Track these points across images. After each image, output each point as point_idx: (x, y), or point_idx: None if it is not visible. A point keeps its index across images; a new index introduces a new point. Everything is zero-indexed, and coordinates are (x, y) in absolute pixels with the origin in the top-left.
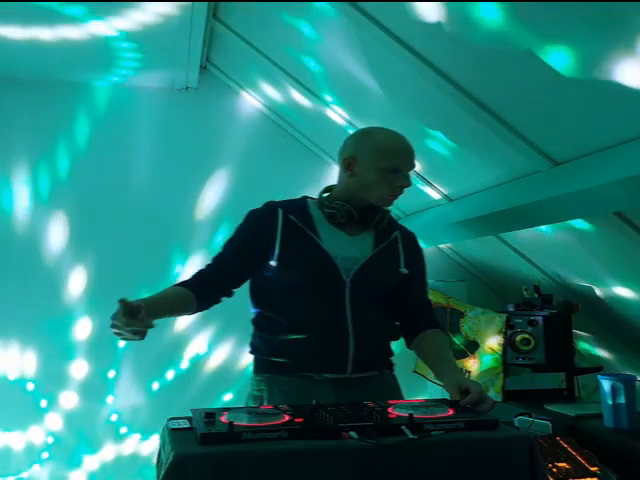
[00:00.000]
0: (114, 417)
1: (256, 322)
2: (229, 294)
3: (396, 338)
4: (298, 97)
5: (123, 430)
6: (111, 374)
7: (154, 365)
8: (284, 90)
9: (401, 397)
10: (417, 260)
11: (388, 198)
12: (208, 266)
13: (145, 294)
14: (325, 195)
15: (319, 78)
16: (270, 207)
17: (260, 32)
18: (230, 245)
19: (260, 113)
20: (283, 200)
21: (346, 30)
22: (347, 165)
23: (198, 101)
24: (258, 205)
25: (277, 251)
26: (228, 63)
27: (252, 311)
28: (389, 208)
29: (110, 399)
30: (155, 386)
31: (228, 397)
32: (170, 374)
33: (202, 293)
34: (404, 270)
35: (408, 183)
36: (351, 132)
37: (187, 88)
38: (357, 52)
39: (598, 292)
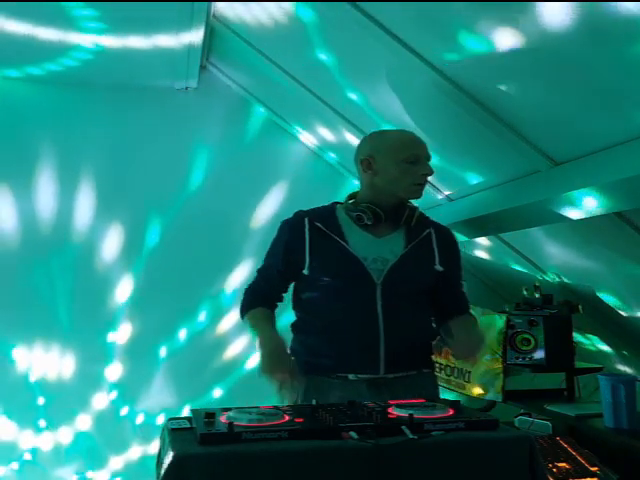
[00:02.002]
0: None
1: (293, 325)
2: (281, 299)
3: (434, 337)
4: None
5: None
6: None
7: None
8: (284, 89)
9: (437, 396)
10: (452, 257)
11: (415, 188)
12: (257, 283)
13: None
14: (351, 202)
15: (318, 75)
16: (298, 217)
17: (260, 31)
18: (270, 258)
19: (260, 113)
20: (312, 208)
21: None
22: (367, 165)
23: (198, 101)
24: (255, 204)
25: (307, 259)
26: (228, 63)
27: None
28: (417, 205)
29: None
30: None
31: None
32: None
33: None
34: (439, 267)
35: (430, 170)
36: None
37: (187, 88)
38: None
39: (598, 292)
